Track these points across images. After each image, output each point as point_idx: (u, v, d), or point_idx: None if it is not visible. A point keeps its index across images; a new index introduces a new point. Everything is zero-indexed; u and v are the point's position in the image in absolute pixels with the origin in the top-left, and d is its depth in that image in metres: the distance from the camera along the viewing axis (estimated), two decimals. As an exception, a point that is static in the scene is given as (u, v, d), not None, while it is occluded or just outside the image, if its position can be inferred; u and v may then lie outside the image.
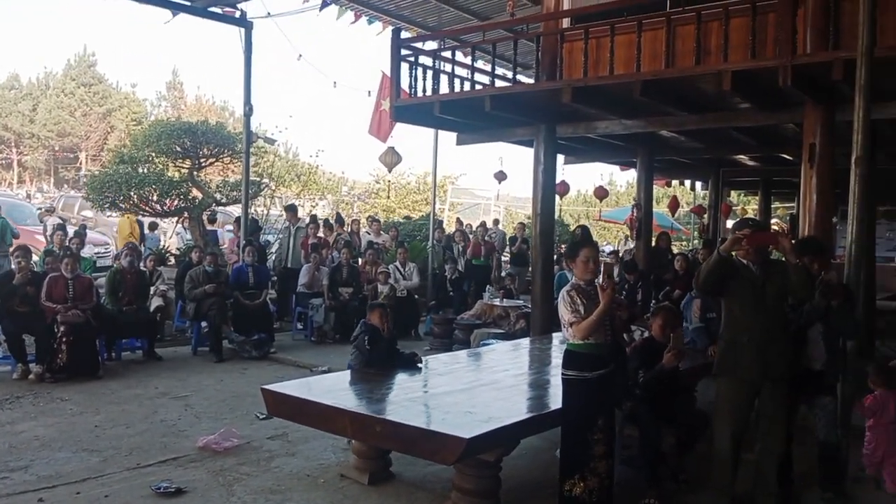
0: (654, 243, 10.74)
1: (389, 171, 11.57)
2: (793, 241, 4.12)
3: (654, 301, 8.27)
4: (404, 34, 8.68)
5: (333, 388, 4.72)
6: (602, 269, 3.91)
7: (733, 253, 4.11)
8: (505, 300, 10.19)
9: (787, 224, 11.67)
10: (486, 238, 12.43)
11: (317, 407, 4.14)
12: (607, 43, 6.65)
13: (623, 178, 31.59)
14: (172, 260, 10.96)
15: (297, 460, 4.95)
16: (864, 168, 4.67)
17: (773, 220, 17.77)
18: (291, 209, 11.28)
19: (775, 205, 19.19)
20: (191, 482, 4.41)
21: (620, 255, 12.94)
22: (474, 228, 13.19)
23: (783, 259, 4.11)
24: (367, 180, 27.81)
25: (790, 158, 9.64)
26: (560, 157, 11.49)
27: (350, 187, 29.82)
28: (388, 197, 25.74)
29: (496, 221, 16.45)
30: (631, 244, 12.33)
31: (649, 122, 7.65)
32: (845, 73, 5.26)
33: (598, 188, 13.47)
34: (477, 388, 4.77)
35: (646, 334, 5.12)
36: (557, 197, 13.44)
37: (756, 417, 4.31)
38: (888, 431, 4.54)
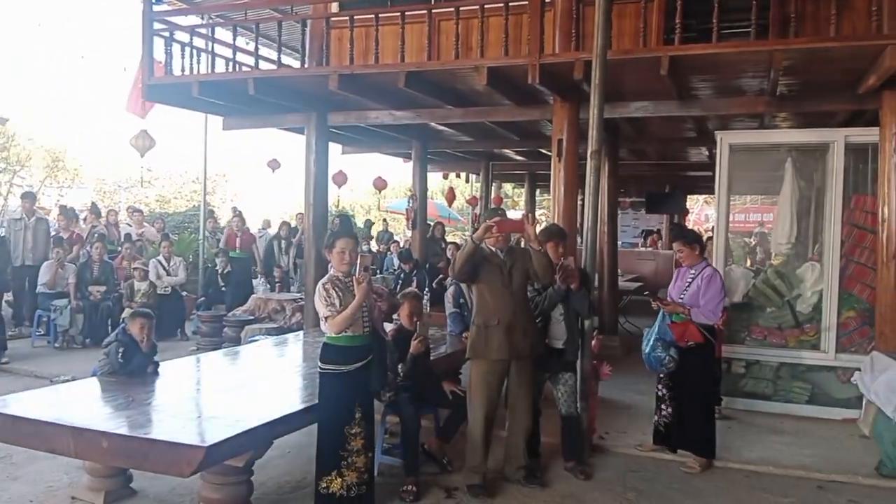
0: (430, 233, 11.03)
1: (142, 156, 10.49)
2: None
3: (427, 289, 8.48)
4: (159, 7, 7.92)
5: (58, 401, 4.13)
6: (359, 260, 3.83)
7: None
8: (281, 293, 9.82)
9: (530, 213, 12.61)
10: (243, 228, 11.23)
11: (33, 425, 3.57)
12: (374, 32, 6.61)
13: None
14: None
15: (19, 485, 4.32)
16: (598, 161, 5.08)
17: (540, 212, 19.21)
18: (28, 197, 9.86)
19: (544, 196, 20.77)
20: None
21: (402, 245, 13.15)
22: (231, 218, 12.06)
23: (527, 246, 4.35)
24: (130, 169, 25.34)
25: (548, 153, 10.39)
26: (337, 147, 11.40)
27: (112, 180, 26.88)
28: (150, 185, 23.73)
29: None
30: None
31: (418, 113, 7.76)
32: (585, 73, 5.70)
33: (377, 179, 13.52)
34: (230, 389, 4.46)
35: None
36: (336, 187, 13.35)
37: (506, 396, 4.55)
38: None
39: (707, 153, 10.74)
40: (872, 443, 5.23)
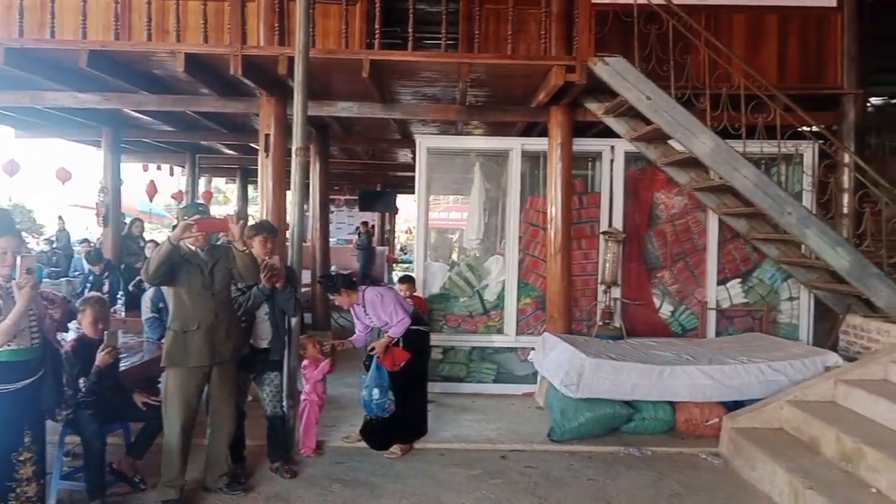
0: (126, 230, 10.02)
1: None
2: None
3: (122, 293, 7.70)
4: None
5: None
6: (20, 262, 3.32)
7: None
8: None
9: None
10: None
11: None
12: (49, 4, 5.80)
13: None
14: None
15: None
16: (304, 158, 5.08)
17: (255, 208, 18.62)
18: None
19: (258, 192, 20.20)
20: None
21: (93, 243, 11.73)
22: None
23: (230, 244, 4.18)
24: None
25: (258, 148, 10.12)
26: (9, 132, 9.81)
27: None
28: None
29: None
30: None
31: (107, 97, 6.98)
32: (289, 69, 5.66)
33: (59, 169, 11.88)
34: None
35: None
36: (7, 176, 11.46)
37: (206, 402, 4.32)
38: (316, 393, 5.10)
39: (411, 155, 11.41)
40: (546, 413, 6.02)
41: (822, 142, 6.46)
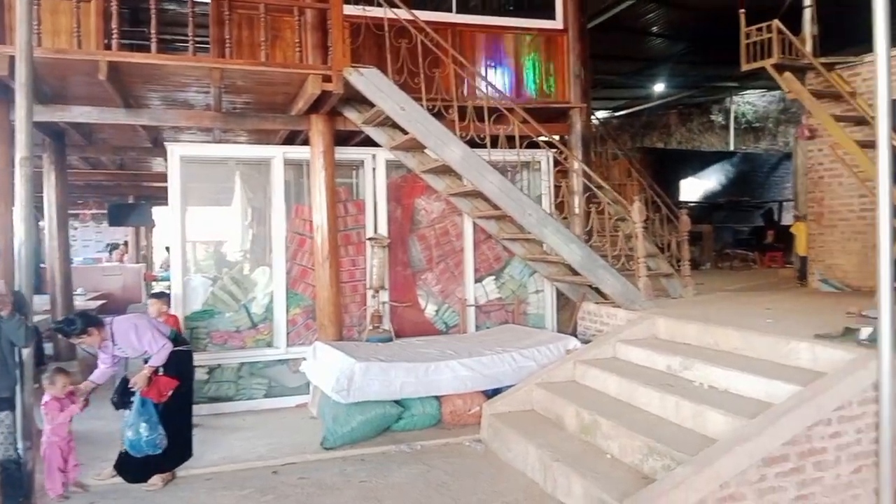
0: None
1: None
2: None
3: None
4: None
5: None
6: None
7: None
8: None
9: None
10: None
11: None
12: None
13: None
14: None
15: None
16: (29, 169, 4.52)
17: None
18: None
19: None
20: None
21: None
22: None
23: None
24: None
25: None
26: None
27: None
28: None
29: None
30: None
31: None
32: (11, 70, 5.02)
33: None
34: None
35: None
36: None
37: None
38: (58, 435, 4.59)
39: (166, 164, 10.67)
40: (319, 422, 6.00)
41: (555, 150, 7.26)
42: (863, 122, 6.99)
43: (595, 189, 6.91)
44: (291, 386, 6.79)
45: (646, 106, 17.98)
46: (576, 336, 6.60)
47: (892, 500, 3.90)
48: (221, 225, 7.01)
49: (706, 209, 15.43)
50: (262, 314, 6.82)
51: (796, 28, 7.79)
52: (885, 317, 3.86)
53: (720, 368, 4.69)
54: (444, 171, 6.88)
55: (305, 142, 7.16)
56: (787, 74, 7.11)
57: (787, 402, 3.95)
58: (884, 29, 3.93)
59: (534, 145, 7.13)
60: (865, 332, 4.30)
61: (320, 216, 6.77)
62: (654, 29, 12.29)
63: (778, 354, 4.66)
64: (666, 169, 15.23)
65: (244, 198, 7.00)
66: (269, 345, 6.80)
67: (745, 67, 7.45)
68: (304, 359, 6.44)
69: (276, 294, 6.82)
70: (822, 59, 7.50)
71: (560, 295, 7.63)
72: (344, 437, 5.46)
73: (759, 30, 7.26)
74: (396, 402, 5.72)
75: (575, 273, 6.74)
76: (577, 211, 7.48)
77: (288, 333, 6.82)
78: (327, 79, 6.00)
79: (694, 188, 16.48)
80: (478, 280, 7.52)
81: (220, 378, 6.59)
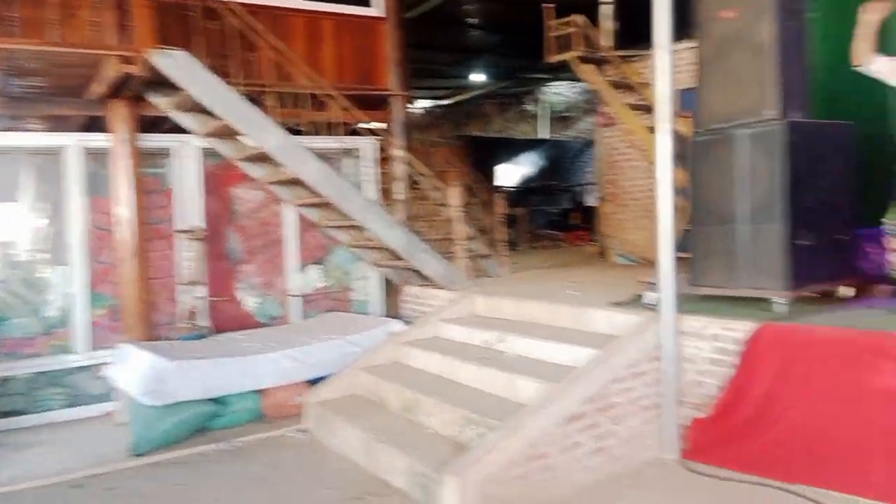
0: None
1: None
2: None
3: None
4: None
5: None
6: None
7: None
8: None
9: None
10: None
11: None
12: None
13: None
14: None
15: None
16: None
17: None
18: None
19: None
20: None
21: None
22: None
23: None
24: None
25: None
26: None
27: None
28: None
29: None
30: None
31: None
32: None
33: None
34: None
35: None
36: None
37: None
38: None
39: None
40: (129, 428, 5.58)
41: (377, 137, 7.29)
42: (652, 109, 7.71)
43: (417, 176, 7.04)
44: (96, 393, 6.24)
45: (467, 96, 18.61)
46: (400, 319, 6.69)
47: (676, 443, 4.37)
48: (8, 222, 6.28)
49: (521, 193, 16.35)
50: (58, 318, 6.20)
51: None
52: (667, 282, 4.30)
53: (531, 339, 4.98)
54: (263, 158, 6.65)
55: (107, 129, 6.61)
56: (585, 66, 7.66)
57: (587, 365, 4.28)
58: (666, 24, 4.35)
59: (356, 133, 7.12)
60: (649, 297, 4.76)
61: (125, 209, 6.29)
62: (473, 20, 12.72)
63: (580, 322, 5.03)
64: (485, 156, 15.95)
65: (36, 191, 6.31)
66: (68, 350, 6.20)
67: (550, 59, 7.93)
68: (109, 363, 5.95)
69: (75, 295, 6.23)
70: (619, 52, 8.16)
71: (389, 281, 7.69)
72: (156, 442, 5.12)
73: (565, 24, 7.76)
74: (213, 399, 5.46)
75: (398, 258, 6.82)
76: (400, 197, 7.57)
77: (90, 337, 6.26)
78: (129, 60, 5.57)
79: (510, 174, 17.39)
80: (301, 269, 7.38)
81: (9, 391, 5.90)
